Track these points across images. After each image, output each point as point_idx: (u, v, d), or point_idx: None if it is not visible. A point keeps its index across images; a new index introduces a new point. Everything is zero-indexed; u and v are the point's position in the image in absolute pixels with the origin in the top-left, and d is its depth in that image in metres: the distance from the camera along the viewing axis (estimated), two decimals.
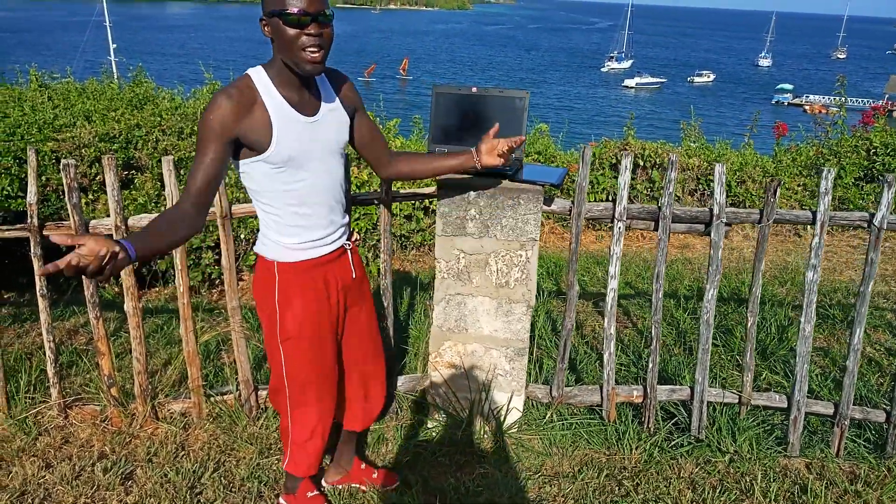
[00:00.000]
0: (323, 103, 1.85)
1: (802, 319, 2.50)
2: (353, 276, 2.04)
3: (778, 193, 2.42)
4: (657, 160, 6.10)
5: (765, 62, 73.35)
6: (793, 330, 3.56)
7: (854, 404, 2.62)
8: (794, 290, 4.42)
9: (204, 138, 1.69)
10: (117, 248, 1.38)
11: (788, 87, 49.27)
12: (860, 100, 37.88)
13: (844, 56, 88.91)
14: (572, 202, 2.55)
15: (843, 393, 2.53)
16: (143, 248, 1.49)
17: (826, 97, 43.40)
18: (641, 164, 6.11)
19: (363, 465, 2.41)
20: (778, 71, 67.25)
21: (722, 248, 2.50)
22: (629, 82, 52.65)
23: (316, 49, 1.68)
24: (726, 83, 56.46)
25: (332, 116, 1.87)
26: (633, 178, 6.13)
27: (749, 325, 2.54)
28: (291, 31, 1.66)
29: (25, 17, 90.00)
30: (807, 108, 41.40)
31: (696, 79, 57.18)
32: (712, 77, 58.10)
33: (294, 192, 1.82)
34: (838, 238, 5.91)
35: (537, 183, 2.44)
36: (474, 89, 2.58)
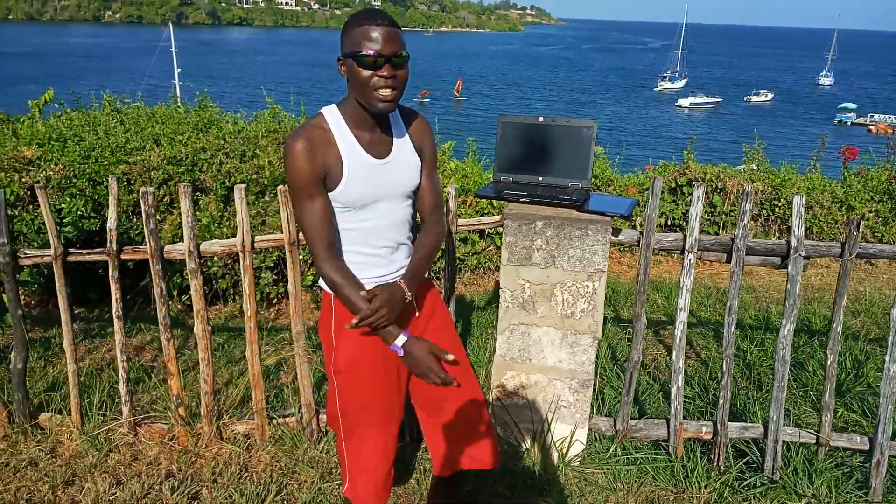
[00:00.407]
0: (395, 144, 1.85)
1: (887, 358, 2.38)
2: (417, 315, 1.97)
3: (861, 227, 2.32)
4: (718, 184, 5.96)
5: (826, 81, 71.12)
6: (870, 365, 3.39)
7: None
8: (868, 322, 4.22)
9: (299, 189, 1.73)
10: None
11: (852, 105, 47.58)
12: None
13: None
14: (641, 233, 2.50)
15: None
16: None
17: (893, 116, 41.76)
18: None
19: None
20: (840, 89, 65.08)
21: (799, 282, 2.41)
22: (683, 102, 51.80)
23: (388, 90, 1.68)
24: (785, 102, 54.92)
25: (403, 159, 1.86)
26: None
27: (829, 362, 2.43)
28: (365, 73, 1.66)
29: (95, 43, 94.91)
30: (871, 127, 39.91)
31: (754, 98, 55.84)
32: (770, 96, 56.64)
33: (356, 230, 1.83)
34: None
35: (606, 214, 2.40)
36: (541, 119, 2.58)
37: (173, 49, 34.95)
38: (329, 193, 1.77)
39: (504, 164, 2.62)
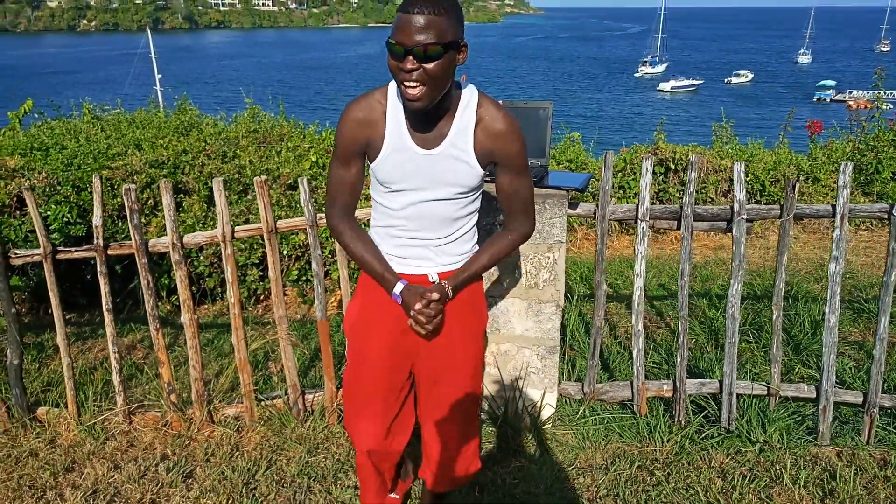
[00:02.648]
0: (449, 140, 1.71)
1: (827, 310, 2.56)
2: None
3: (797, 189, 2.50)
4: (686, 163, 6.14)
5: (804, 59, 71.68)
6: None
7: (889, 394, 2.66)
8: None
9: (339, 150, 1.77)
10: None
11: (831, 83, 48.01)
12: None
13: (889, 48, 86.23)
14: (597, 205, 2.67)
15: (871, 381, 2.57)
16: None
17: (871, 92, 42.21)
18: (673, 167, 6.15)
19: None
20: (819, 67, 65.62)
21: (744, 243, 2.58)
22: (664, 86, 52.10)
23: (414, 84, 1.56)
24: (765, 83, 55.39)
25: (454, 155, 1.72)
26: (664, 182, 6.18)
27: (775, 317, 2.61)
28: (392, 62, 1.58)
29: (72, 53, 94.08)
30: (851, 103, 40.29)
31: (734, 79, 56.25)
32: (750, 77, 57.06)
33: (390, 210, 1.80)
34: (879, 233, 5.84)
35: (562, 188, 2.57)
36: (500, 102, 2.73)
37: (153, 55, 34.82)
38: (370, 165, 1.78)
39: None
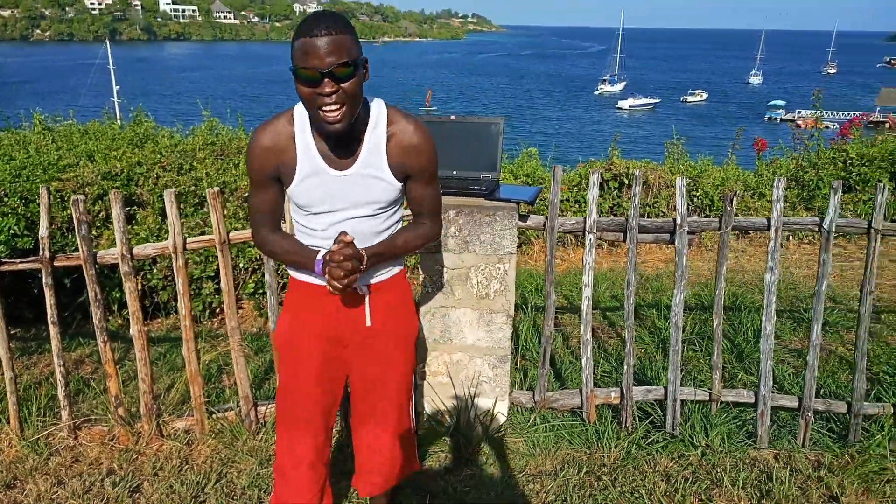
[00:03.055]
0: (360, 159, 1.71)
1: (763, 318, 2.67)
2: (368, 323, 1.89)
3: (734, 203, 2.61)
4: (643, 179, 6.31)
5: (755, 79, 74.35)
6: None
7: (822, 398, 2.78)
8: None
9: (252, 178, 1.77)
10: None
11: (781, 103, 49.87)
12: (847, 113, 38.28)
13: (835, 71, 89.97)
14: (546, 217, 2.74)
15: (805, 386, 2.69)
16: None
17: (818, 111, 43.82)
18: (627, 182, 6.32)
19: None
20: (769, 88, 68.06)
21: (685, 254, 2.68)
22: (623, 104, 53.35)
23: (335, 107, 1.55)
24: (719, 102, 57.17)
25: (367, 173, 1.72)
26: (619, 197, 6.34)
27: (715, 325, 2.71)
28: (305, 90, 1.55)
29: (28, 62, 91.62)
30: (800, 122, 41.84)
31: (690, 98, 57.96)
32: (705, 96, 58.88)
33: (311, 232, 1.80)
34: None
35: (511, 200, 2.63)
36: (452, 117, 2.80)
37: (111, 66, 34.17)
38: (286, 189, 1.78)
39: None
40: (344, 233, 1.71)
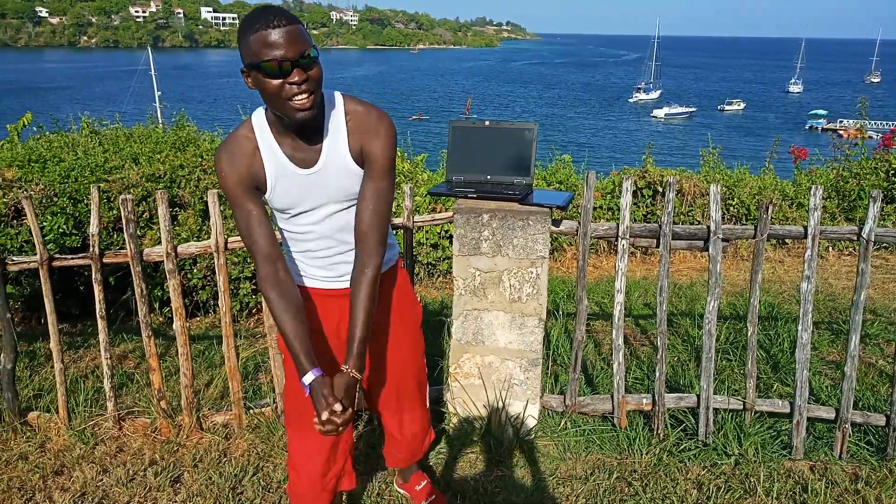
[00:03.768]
0: (325, 153, 1.71)
1: (800, 327, 2.65)
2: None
3: (770, 211, 2.60)
4: (677, 187, 6.27)
5: (795, 88, 72.87)
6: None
7: (861, 411, 2.74)
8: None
9: (230, 196, 1.69)
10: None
11: (822, 112, 48.77)
12: (891, 123, 37.21)
13: (879, 80, 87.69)
14: (579, 223, 2.76)
15: (843, 397, 2.65)
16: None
17: (861, 121, 42.79)
18: (661, 190, 6.28)
19: (420, 486, 2.43)
20: (809, 97, 66.64)
21: (720, 262, 2.67)
22: (658, 112, 52.81)
23: (304, 96, 1.55)
24: (757, 111, 56.15)
25: (335, 166, 1.72)
26: (652, 205, 6.30)
27: (749, 333, 2.69)
28: (274, 83, 1.53)
29: (75, 68, 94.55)
30: (842, 132, 40.85)
31: (727, 107, 57.09)
32: (743, 105, 57.94)
33: (296, 234, 1.82)
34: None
35: (544, 206, 2.66)
36: (487, 122, 2.84)
37: (153, 73, 35.09)
38: (265, 197, 1.75)
39: (455, 165, 2.87)
40: (332, 398, 1.66)
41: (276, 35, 1.49)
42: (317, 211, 1.76)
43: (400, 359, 2.10)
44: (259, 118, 1.72)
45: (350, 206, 1.78)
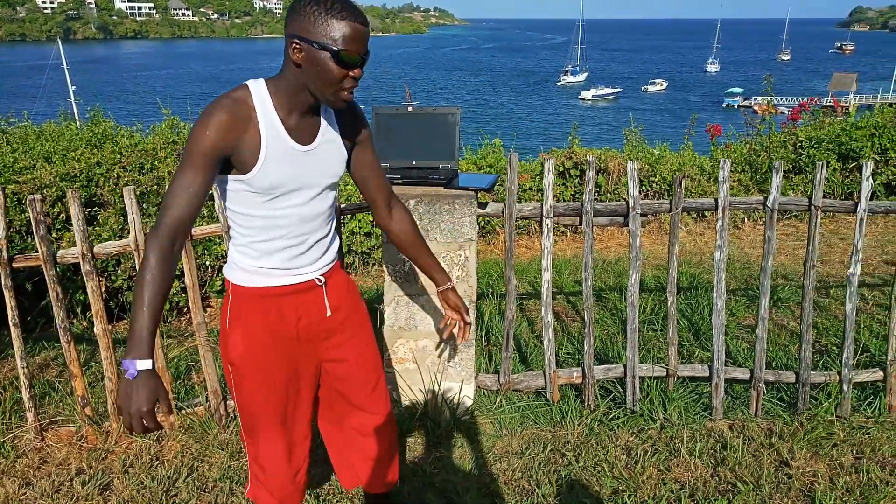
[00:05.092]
0: (321, 131, 1.74)
1: (714, 294, 2.79)
2: (328, 314, 1.88)
3: (683, 185, 2.72)
4: (601, 166, 6.44)
5: (713, 68, 75.86)
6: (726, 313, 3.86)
7: (773, 370, 2.91)
8: (727, 277, 4.74)
9: (194, 156, 1.56)
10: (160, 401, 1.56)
11: (738, 90, 50.94)
12: (800, 98, 39.27)
13: (789, 58, 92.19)
14: (504, 204, 2.81)
15: (756, 358, 2.82)
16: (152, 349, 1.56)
17: (774, 98, 44.98)
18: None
19: None
20: (726, 75, 69.49)
21: (639, 236, 2.78)
22: (585, 94, 53.93)
23: (353, 90, 1.65)
24: (678, 90, 58.18)
25: (330, 146, 1.76)
26: (579, 185, 6.46)
27: (669, 303, 2.82)
28: (339, 71, 1.58)
29: None
30: (756, 108, 42.81)
31: (650, 87, 58.91)
32: (665, 85, 59.88)
33: (267, 219, 1.72)
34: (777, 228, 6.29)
35: (470, 188, 2.70)
36: (410, 108, 2.85)
37: (65, 66, 33.29)
38: (243, 177, 1.64)
39: (380, 152, 2.86)
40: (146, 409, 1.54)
41: (361, 31, 1.58)
42: (304, 191, 1.73)
43: (364, 352, 2.00)
44: (258, 89, 1.65)
45: (328, 190, 1.80)
